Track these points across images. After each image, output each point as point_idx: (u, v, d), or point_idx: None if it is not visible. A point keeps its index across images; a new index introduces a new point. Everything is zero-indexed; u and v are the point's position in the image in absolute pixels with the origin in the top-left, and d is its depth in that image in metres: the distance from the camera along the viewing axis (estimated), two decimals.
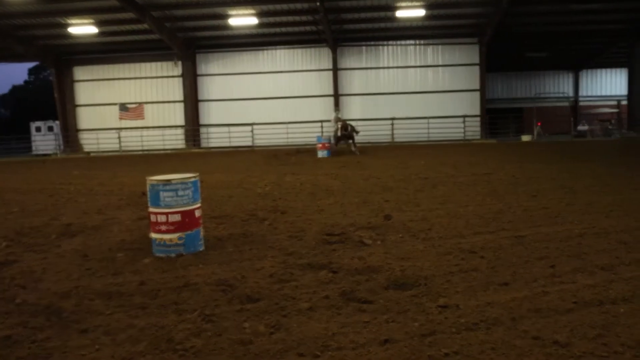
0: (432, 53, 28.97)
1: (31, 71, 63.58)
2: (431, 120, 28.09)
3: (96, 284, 4.42)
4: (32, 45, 28.84)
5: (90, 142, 30.33)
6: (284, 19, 26.00)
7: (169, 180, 5.16)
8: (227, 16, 25.25)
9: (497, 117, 30.46)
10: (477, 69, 28.36)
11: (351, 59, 29.08)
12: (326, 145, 19.68)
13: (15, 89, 66.41)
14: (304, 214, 7.33)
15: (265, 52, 29.52)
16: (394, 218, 6.76)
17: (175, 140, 28.60)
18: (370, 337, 3.21)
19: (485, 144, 25.80)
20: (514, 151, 19.73)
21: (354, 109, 28.94)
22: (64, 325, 3.58)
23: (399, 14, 24.85)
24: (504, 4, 23.15)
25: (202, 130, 29.83)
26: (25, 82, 65.72)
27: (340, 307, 3.74)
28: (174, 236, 5.15)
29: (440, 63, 28.87)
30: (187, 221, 5.21)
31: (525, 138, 28.45)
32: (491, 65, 29.68)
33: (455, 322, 3.40)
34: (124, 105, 29.96)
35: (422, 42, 28.78)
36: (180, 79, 29.34)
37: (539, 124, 30.61)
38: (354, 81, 29.15)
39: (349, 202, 8.25)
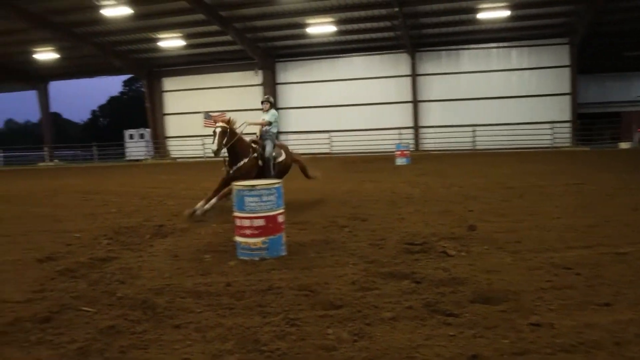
0: (516, 55, 27.86)
1: (125, 83, 67.86)
2: (516, 127, 26.98)
3: (187, 283, 4.61)
4: (128, 60, 30.90)
5: (176, 149, 31.89)
6: (362, 25, 26.09)
7: (253, 186, 5.30)
8: (305, 25, 25.72)
9: (590, 123, 28.52)
10: (567, 71, 26.96)
11: (430, 64, 28.61)
12: (405, 152, 19.46)
13: (111, 100, 71.19)
14: (385, 222, 7.26)
15: (342, 59, 29.74)
16: (478, 229, 6.53)
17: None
18: (457, 352, 3.10)
19: (576, 151, 24.40)
20: (610, 159, 18.50)
21: (432, 116, 28.46)
22: (159, 319, 3.78)
23: (481, 16, 24.14)
24: (598, 0, 21.84)
25: (281, 137, 30.48)
26: (120, 93, 70.23)
27: (424, 318, 3.65)
28: (257, 240, 5.28)
29: (525, 66, 27.70)
30: (270, 226, 5.32)
31: (624, 145, 26.45)
32: (583, 67, 27.97)
33: (549, 342, 3.20)
34: (207, 114, 31.21)
35: (505, 44, 27.78)
36: (261, 88, 30.20)
37: (639, 130, 28.46)
38: (433, 87, 28.65)
39: (430, 211, 8.08)
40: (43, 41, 27.99)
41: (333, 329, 3.49)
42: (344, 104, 29.43)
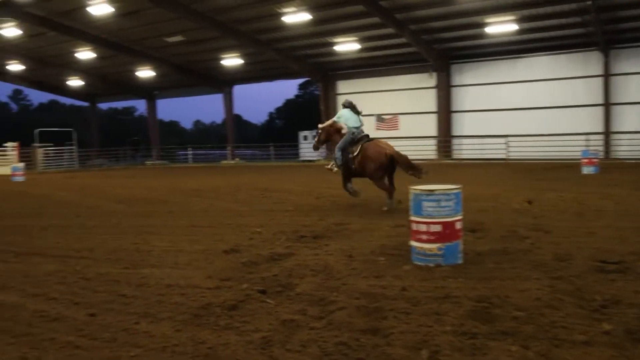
0: None
1: (300, 86, 72.03)
2: None
3: (361, 284, 4.70)
4: (305, 64, 32.73)
5: None
6: (547, 22, 24.20)
7: (432, 191, 5.22)
8: (484, 25, 24.68)
9: None
10: None
11: (628, 62, 25.37)
12: (593, 160, 17.60)
13: (287, 102, 76.18)
14: (571, 236, 6.64)
15: (523, 59, 27.91)
16: None
17: (427, 150, 28.98)
18: None
19: None
20: None
21: (628, 120, 25.27)
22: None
23: None
24: None
25: (454, 141, 29.67)
26: (296, 96, 74.77)
27: (625, 347, 3.24)
28: (433, 246, 5.19)
29: None
30: (447, 232, 5.20)
31: None
32: None
33: None
34: (380, 117, 31.67)
35: None
36: (434, 90, 29.74)
37: None
38: (630, 88, 25.39)
39: (627, 227, 7.19)
40: (230, 48, 31.03)
41: (516, 346, 3.28)
42: (522, 107, 27.59)
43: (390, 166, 9.33)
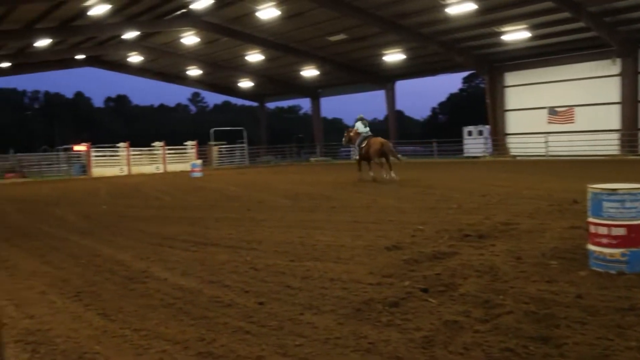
0: None
1: (465, 80, 69.70)
2: None
3: (530, 288, 4.40)
4: (469, 56, 31.53)
5: (516, 146, 30.93)
6: None
7: (614, 190, 4.69)
8: None
9: None
10: None
11: None
12: None
13: (451, 97, 74.22)
14: None
15: None
16: None
17: (609, 145, 26.00)
18: None
19: None
20: None
21: None
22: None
23: None
24: None
25: None
26: (460, 90, 72.49)
27: None
28: (616, 251, 4.67)
29: None
30: (632, 237, 4.63)
31: None
32: None
33: None
34: (553, 109, 29.27)
35: None
36: (618, 79, 26.55)
37: None
38: None
39: None
40: (392, 43, 31.07)
41: None
42: None
43: (381, 151, 15.88)
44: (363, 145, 16.34)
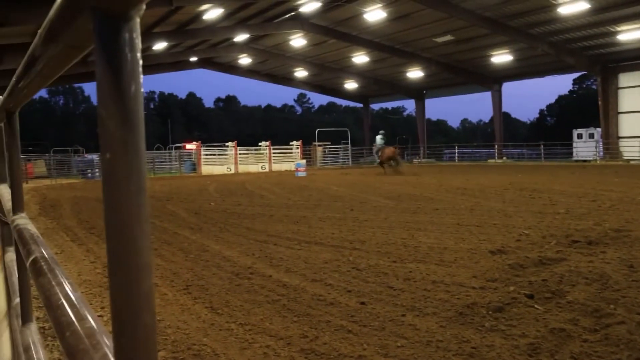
0: None
1: (575, 81, 65.64)
2: None
3: None
4: (580, 56, 29.78)
5: (630, 150, 28.78)
6: None
7: None
8: None
9: None
10: None
11: None
12: None
13: (560, 99, 70.21)
14: None
15: None
16: None
17: None
18: None
19: None
20: None
21: None
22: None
23: None
24: None
25: None
26: (570, 91, 68.38)
27: None
28: None
29: None
30: None
31: None
32: None
33: None
34: None
35: None
36: None
37: None
38: None
39: None
40: (499, 44, 30.06)
41: None
42: None
43: (392, 157, 23.61)
44: (380, 153, 24.74)
